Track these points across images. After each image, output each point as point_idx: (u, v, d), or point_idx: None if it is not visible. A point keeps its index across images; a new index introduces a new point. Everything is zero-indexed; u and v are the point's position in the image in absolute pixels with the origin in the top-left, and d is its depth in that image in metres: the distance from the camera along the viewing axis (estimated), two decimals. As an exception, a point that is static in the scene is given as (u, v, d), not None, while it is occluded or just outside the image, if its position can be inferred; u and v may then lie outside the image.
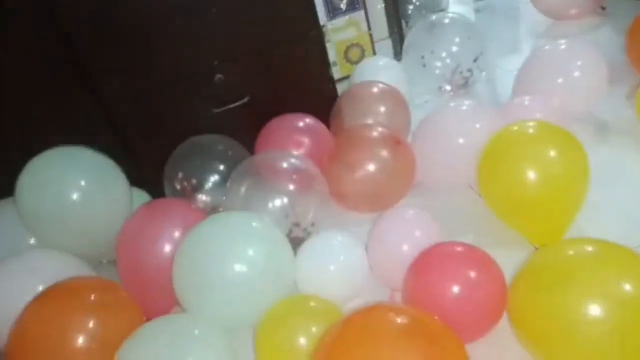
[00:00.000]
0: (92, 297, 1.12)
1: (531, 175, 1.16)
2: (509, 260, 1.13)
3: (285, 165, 1.39)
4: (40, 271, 1.23)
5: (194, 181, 1.51)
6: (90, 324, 1.07)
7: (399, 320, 0.92)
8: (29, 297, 1.12)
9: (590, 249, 0.98)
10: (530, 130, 1.23)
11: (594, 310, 0.89)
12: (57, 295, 1.12)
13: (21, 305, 1.10)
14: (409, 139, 1.58)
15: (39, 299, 1.11)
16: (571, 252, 0.99)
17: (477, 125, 1.38)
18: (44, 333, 1.06)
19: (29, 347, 1.07)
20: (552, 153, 1.18)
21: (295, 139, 1.52)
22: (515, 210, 1.22)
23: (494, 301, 1.03)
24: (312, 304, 1.11)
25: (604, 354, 0.88)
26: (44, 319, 1.08)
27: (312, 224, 1.39)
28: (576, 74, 1.54)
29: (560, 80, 1.55)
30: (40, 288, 1.15)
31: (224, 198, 1.42)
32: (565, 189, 1.17)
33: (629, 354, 0.87)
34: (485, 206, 1.35)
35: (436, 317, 0.96)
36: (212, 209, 1.45)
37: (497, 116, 1.44)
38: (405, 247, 1.18)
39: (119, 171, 1.42)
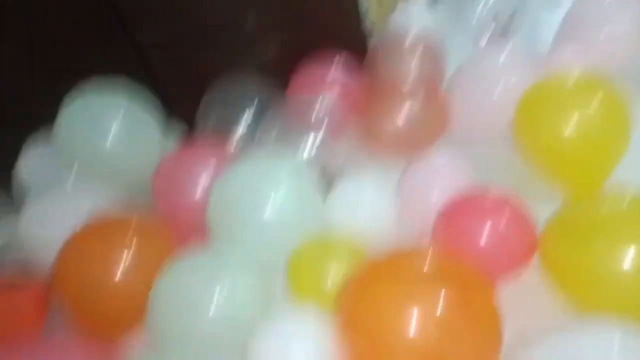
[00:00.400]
0: (131, 232, 1.16)
1: (571, 126, 1.13)
2: (542, 210, 1.12)
3: (317, 108, 1.39)
4: (79, 206, 1.28)
5: (226, 124, 1.52)
6: (130, 260, 1.12)
7: (428, 262, 0.94)
8: (68, 230, 1.16)
9: (627, 200, 0.96)
10: (572, 81, 1.19)
11: (628, 260, 0.89)
12: (97, 229, 1.17)
13: (62, 238, 1.16)
14: (445, 87, 1.54)
15: (81, 232, 1.16)
16: (607, 203, 0.98)
17: (516, 75, 1.34)
18: (86, 264, 1.12)
19: (73, 278, 1.13)
20: (594, 104, 1.14)
21: (328, 82, 1.51)
22: (553, 161, 1.20)
23: (524, 247, 1.04)
24: (341, 245, 1.13)
25: (635, 305, 0.88)
26: (86, 251, 1.14)
27: (343, 168, 1.39)
28: (621, 24, 1.46)
29: (604, 31, 1.47)
30: (79, 223, 1.19)
31: (256, 141, 1.43)
32: (605, 141, 1.14)
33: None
34: (520, 157, 1.32)
35: (465, 261, 0.97)
36: (244, 151, 1.47)
37: (537, 66, 1.38)
38: (436, 193, 1.18)
39: (154, 111, 1.43)
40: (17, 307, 1.14)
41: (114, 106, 1.36)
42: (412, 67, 1.60)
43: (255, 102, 1.51)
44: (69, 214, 1.25)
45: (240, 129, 1.50)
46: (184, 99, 1.63)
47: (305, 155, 1.35)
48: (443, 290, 0.87)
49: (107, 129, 1.33)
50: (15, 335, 1.11)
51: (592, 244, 0.91)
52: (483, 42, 1.92)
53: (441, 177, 1.22)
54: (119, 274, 1.10)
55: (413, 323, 0.82)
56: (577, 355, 0.77)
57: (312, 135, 1.36)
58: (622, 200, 0.97)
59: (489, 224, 1.03)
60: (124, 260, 1.11)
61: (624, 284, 0.88)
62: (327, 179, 1.36)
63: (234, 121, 1.50)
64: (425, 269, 0.92)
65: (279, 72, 1.62)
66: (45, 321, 1.18)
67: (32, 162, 1.43)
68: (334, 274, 1.05)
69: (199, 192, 1.26)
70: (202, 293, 1.03)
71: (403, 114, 1.39)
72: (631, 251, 0.88)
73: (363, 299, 0.92)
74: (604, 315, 0.85)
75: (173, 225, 1.26)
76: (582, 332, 0.81)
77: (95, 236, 1.15)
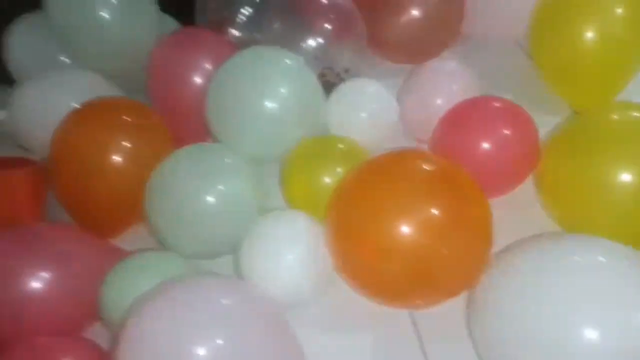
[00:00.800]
0: (127, 118, 1.15)
1: (589, 33, 1.07)
2: (547, 123, 1.10)
3: (323, 2, 1.31)
4: (75, 88, 1.25)
5: (226, 13, 1.43)
6: (126, 143, 1.11)
7: (424, 165, 0.93)
8: (63, 112, 1.15)
9: (633, 114, 0.94)
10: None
11: (625, 175, 0.88)
12: (94, 112, 1.15)
13: (57, 119, 1.14)
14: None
15: (77, 114, 1.14)
16: (612, 116, 0.96)
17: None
18: (82, 146, 1.11)
19: (70, 159, 1.12)
20: (616, 10, 1.07)
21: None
22: (566, 70, 1.15)
23: (524, 160, 1.03)
24: (339, 144, 1.12)
25: (627, 220, 0.90)
26: (82, 133, 1.12)
27: (346, 70, 1.34)
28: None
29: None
30: (75, 105, 1.17)
31: (257, 34, 1.36)
32: (623, 52, 1.08)
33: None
34: (530, 66, 1.27)
35: (462, 168, 0.96)
36: (244, 44, 1.40)
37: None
38: (439, 100, 1.15)
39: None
40: (15, 185, 1.15)
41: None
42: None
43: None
44: (64, 93, 1.23)
45: (241, 20, 1.42)
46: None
47: (309, 52, 1.29)
48: (436, 194, 0.87)
49: (98, 5, 1.25)
50: (14, 214, 1.14)
51: (592, 159, 0.90)
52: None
53: (446, 83, 1.18)
54: (115, 157, 1.10)
55: (404, 226, 0.83)
56: (559, 263, 0.78)
57: (316, 32, 1.29)
58: (627, 118, 0.94)
59: (489, 133, 1.01)
60: (119, 147, 1.10)
61: (621, 202, 0.89)
62: (330, 80, 1.32)
63: (234, 11, 1.42)
64: (421, 171, 0.92)
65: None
66: (44, 202, 1.20)
67: (21, 41, 1.36)
68: (329, 177, 1.05)
69: (196, 83, 1.22)
70: (198, 186, 1.03)
71: (414, 13, 1.30)
72: (632, 169, 0.87)
73: (355, 201, 0.93)
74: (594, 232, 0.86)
75: (169, 116, 1.24)
76: (567, 245, 0.83)
77: (90, 120, 1.13)
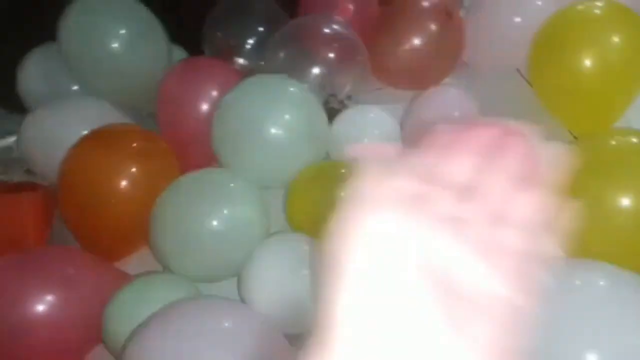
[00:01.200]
0: (135, 144, 1.18)
1: (587, 60, 1.09)
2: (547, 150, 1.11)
3: (327, 32, 1.34)
4: (85, 116, 1.28)
5: (233, 42, 1.48)
6: (133, 169, 1.14)
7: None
8: (73, 139, 1.17)
9: (632, 140, 0.95)
10: (596, 11, 1.13)
11: (625, 200, 0.89)
12: (103, 139, 1.18)
13: (66, 146, 1.16)
14: (462, 14, 1.47)
15: (86, 141, 1.17)
16: (612, 142, 0.97)
17: (539, 3, 1.27)
18: (91, 172, 1.14)
19: (78, 184, 1.15)
20: (616, 38, 1.09)
21: (339, 5, 1.44)
22: (565, 96, 1.17)
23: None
24: (343, 170, 1.14)
25: (628, 245, 0.89)
26: (91, 159, 1.15)
27: (349, 97, 1.37)
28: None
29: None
30: (85, 132, 1.20)
31: (262, 62, 1.40)
32: (623, 79, 1.10)
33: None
34: (529, 92, 1.29)
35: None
36: (250, 72, 1.44)
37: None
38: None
39: (159, 24, 1.39)
40: (23, 209, 1.17)
41: (118, 15, 1.31)
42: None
43: (264, 21, 1.46)
44: (74, 120, 1.26)
45: (247, 49, 1.46)
46: (191, 11, 1.57)
47: (312, 80, 1.32)
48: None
49: (109, 37, 1.29)
50: (21, 238, 1.15)
51: (591, 183, 0.91)
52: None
53: (447, 109, 1.20)
54: (122, 183, 1.12)
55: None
56: (560, 288, 0.78)
57: (320, 60, 1.32)
58: (626, 143, 0.95)
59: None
60: (126, 173, 1.13)
61: (620, 227, 0.89)
62: (334, 107, 1.34)
63: (240, 40, 1.46)
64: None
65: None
66: (51, 225, 1.22)
67: (34, 70, 1.41)
68: (335, 197, 1.06)
69: (203, 109, 1.25)
70: (204, 210, 1.05)
71: (416, 42, 1.33)
72: (632, 194, 0.88)
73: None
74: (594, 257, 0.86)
75: (176, 142, 1.26)
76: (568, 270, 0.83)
77: (99, 148, 1.15)
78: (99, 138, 1.17)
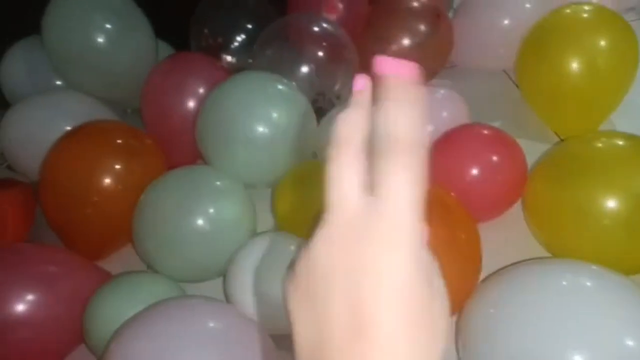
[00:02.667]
0: (119, 141, 1.15)
1: (574, 63, 1.10)
2: (534, 150, 1.13)
3: (315, 30, 1.33)
4: (68, 111, 1.25)
5: (220, 39, 1.46)
6: (117, 166, 1.11)
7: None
8: (56, 135, 1.15)
9: (616, 142, 0.96)
10: (583, 15, 1.14)
11: (610, 202, 0.89)
12: (85, 135, 1.15)
13: (49, 142, 1.14)
14: (450, 14, 1.48)
15: (69, 137, 1.14)
16: (597, 144, 0.97)
17: (527, 5, 1.28)
18: (73, 169, 1.11)
19: (60, 181, 1.12)
20: (602, 42, 1.10)
21: (329, 3, 1.43)
22: (552, 98, 1.17)
23: (511, 186, 1.04)
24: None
25: (612, 246, 0.90)
26: (74, 156, 1.12)
27: (338, 96, 1.36)
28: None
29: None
30: (68, 128, 1.18)
31: (249, 60, 1.38)
32: (609, 83, 1.11)
33: (638, 248, 0.89)
34: (517, 94, 1.30)
35: (452, 194, 0.97)
36: (237, 70, 1.42)
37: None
38: (430, 127, 1.17)
39: (145, 18, 1.37)
40: (2, 205, 1.14)
41: (103, 9, 1.28)
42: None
43: (252, 18, 1.44)
44: (56, 116, 1.24)
45: (234, 46, 1.44)
46: (177, 5, 1.55)
47: (301, 78, 1.31)
48: (425, 219, 0.87)
49: (94, 32, 1.26)
50: (1, 235, 1.12)
51: (577, 185, 0.92)
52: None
53: (436, 110, 1.19)
54: (106, 180, 1.10)
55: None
56: (547, 288, 0.79)
57: (308, 59, 1.31)
58: (611, 145, 0.96)
59: (478, 160, 1.02)
60: (110, 170, 1.10)
61: (605, 228, 0.90)
62: (322, 106, 1.33)
63: (228, 37, 1.44)
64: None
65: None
66: (31, 223, 1.19)
67: (17, 65, 1.37)
68: (320, 201, 1.05)
69: (189, 106, 1.23)
70: (189, 208, 1.03)
71: (404, 42, 1.33)
72: (616, 196, 0.89)
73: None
74: (581, 258, 0.86)
75: (161, 139, 1.24)
76: (554, 270, 0.83)
77: (82, 144, 1.13)
78: (82, 134, 1.14)
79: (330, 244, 0.28)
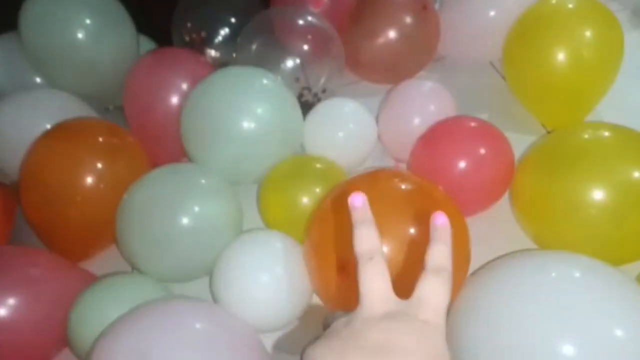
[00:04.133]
0: (101, 139, 1.12)
1: (560, 55, 1.09)
2: (521, 142, 1.12)
3: (300, 23, 1.31)
4: (48, 109, 1.22)
5: (203, 34, 1.43)
6: (99, 165, 1.09)
7: (401, 185, 0.93)
8: (36, 134, 1.12)
9: (603, 133, 0.96)
10: (570, 6, 1.13)
11: (597, 193, 0.89)
12: (66, 133, 1.12)
13: (28, 141, 1.12)
14: (437, 6, 1.47)
15: (49, 135, 1.12)
16: (584, 135, 0.97)
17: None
18: (54, 169, 1.08)
19: (40, 181, 1.09)
20: (588, 33, 1.10)
21: (314, -6, 1.42)
22: (538, 90, 1.17)
23: (499, 179, 1.04)
24: (318, 165, 1.12)
25: (600, 237, 0.90)
26: (54, 155, 1.09)
27: (324, 90, 1.35)
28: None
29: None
30: (48, 126, 1.15)
31: (234, 54, 1.36)
32: (595, 74, 1.11)
33: (625, 239, 0.89)
34: (504, 86, 1.30)
35: (439, 187, 0.96)
36: (221, 65, 1.40)
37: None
38: (417, 120, 1.16)
39: (126, 13, 1.34)
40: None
41: (82, 4, 1.25)
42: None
43: (235, 11, 1.42)
44: (36, 114, 1.20)
45: (218, 40, 1.42)
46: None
47: (286, 72, 1.30)
48: (413, 213, 0.86)
49: (74, 27, 1.23)
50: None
51: (564, 177, 0.91)
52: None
53: (423, 103, 1.19)
54: (88, 180, 1.07)
55: (383, 246, 0.82)
56: (535, 280, 0.78)
57: (294, 53, 1.30)
58: (598, 137, 0.96)
59: (466, 153, 1.02)
60: (92, 169, 1.08)
61: (592, 219, 0.90)
62: (308, 101, 1.32)
63: (211, 31, 1.42)
64: (398, 191, 0.91)
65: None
66: (12, 225, 1.17)
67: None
68: (307, 198, 1.04)
69: (172, 102, 1.21)
70: (174, 207, 1.01)
71: (390, 35, 1.32)
72: (603, 187, 0.88)
73: (333, 222, 0.92)
74: (568, 249, 0.86)
75: (144, 137, 1.22)
76: (542, 262, 0.83)
77: (63, 142, 1.10)
78: (63, 132, 1.11)
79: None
